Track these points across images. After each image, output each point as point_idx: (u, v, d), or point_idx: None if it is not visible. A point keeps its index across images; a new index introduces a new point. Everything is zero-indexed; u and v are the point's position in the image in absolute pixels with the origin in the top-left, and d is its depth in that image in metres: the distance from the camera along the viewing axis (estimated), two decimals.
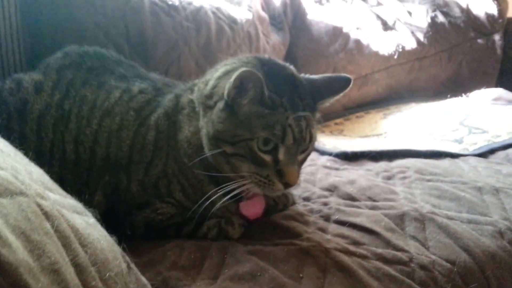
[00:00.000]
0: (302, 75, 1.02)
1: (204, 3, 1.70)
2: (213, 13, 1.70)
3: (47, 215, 0.50)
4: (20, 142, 1.06)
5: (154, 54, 1.55)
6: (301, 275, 0.86)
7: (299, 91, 0.96)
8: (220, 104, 0.93)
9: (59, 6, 1.44)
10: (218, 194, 0.96)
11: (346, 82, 0.99)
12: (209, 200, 0.97)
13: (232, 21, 1.75)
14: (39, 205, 0.51)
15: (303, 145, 0.94)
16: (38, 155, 1.04)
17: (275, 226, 1.02)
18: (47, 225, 0.49)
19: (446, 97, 2.16)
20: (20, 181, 0.51)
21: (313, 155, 1.44)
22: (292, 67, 1.03)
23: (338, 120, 1.97)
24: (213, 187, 0.97)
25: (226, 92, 0.91)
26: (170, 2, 1.61)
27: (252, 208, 1.04)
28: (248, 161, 0.93)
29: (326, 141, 1.64)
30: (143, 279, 0.66)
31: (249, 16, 1.80)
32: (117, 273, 0.58)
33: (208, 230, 1.01)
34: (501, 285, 0.94)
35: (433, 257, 0.93)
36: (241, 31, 1.75)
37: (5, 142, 0.66)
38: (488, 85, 2.31)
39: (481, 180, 1.23)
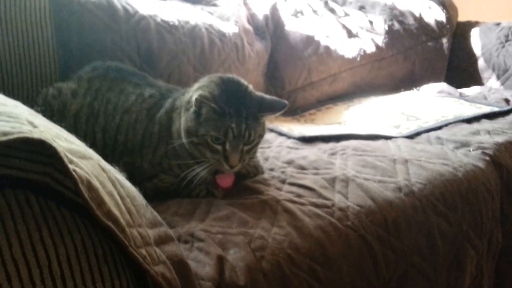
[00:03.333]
0: (258, 93, 1.36)
1: (198, 21, 2.03)
2: (206, 29, 2.03)
3: (103, 169, 0.86)
4: None
5: (159, 64, 1.87)
6: (260, 216, 1.20)
7: (246, 103, 1.29)
8: (192, 109, 1.28)
9: (85, 29, 1.74)
10: (203, 170, 1.29)
11: (283, 106, 1.34)
12: (198, 175, 1.29)
13: (222, 35, 2.07)
14: (99, 164, 0.87)
15: (244, 141, 1.27)
16: None
17: (246, 188, 1.35)
18: (104, 174, 0.86)
19: (400, 91, 2.52)
20: (89, 152, 0.88)
21: (282, 139, 1.79)
22: (248, 85, 1.35)
23: (312, 111, 2.31)
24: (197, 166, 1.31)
25: (193, 104, 1.27)
26: (171, 23, 1.94)
27: (224, 180, 1.34)
28: (207, 149, 1.27)
29: (296, 128, 1.97)
30: (155, 212, 1.01)
31: (236, 29, 2.13)
32: (141, 205, 0.94)
33: (199, 191, 1.32)
34: (394, 222, 1.29)
35: (349, 203, 1.28)
36: (229, 42, 2.08)
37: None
38: (438, 80, 2.67)
39: (398, 155, 1.57)
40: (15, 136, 0.64)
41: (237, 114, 1.27)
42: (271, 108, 1.35)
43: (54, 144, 0.67)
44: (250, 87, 1.36)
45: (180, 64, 1.94)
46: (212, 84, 1.33)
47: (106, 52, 1.76)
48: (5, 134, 0.63)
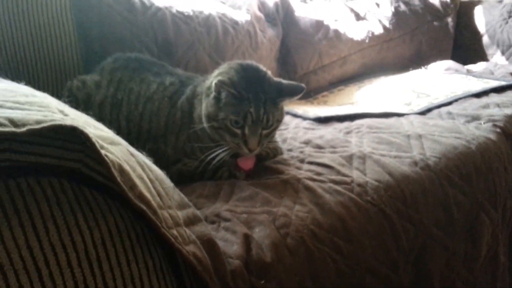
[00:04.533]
0: (276, 79, 1.34)
1: (212, 11, 2.01)
2: (219, 18, 2.01)
3: (132, 154, 0.85)
4: None
5: (176, 53, 1.86)
6: (282, 195, 1.19)
7: (265, 88, 1.28)
8: (212, 95, 1.27)
9: (104, 23, 1.73)
10: (223, 152, 1.28)
11: (301, 90, 1.32)
12: (218, 156, 1.29)
13: (234, 23, 2.05)
14: (127, 149, 0.86)
15: (262, 125, 1.26)
16: None
17: (267, 168, 1.34)
18: (133, 158, 0.85)
19: (409, 70, 2.48)
20: (117, 138, 0.87)
21: (298, 120, 1.78)
22: (266, 71, 1.33)
23: (324, 93, 2.29)
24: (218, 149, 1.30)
25: (213, 90, 1.26)
26: (186, 13, 1.92)
27: (246, 162, 1.34)
28: (227, 133, 1.27)
29: (311, 109, 1.96)
30: (182, 194, 1.00)
31: (248, 17, 2.11)
32: (169, 187, 0.93)
33: (222, 173, 1.31)
34: (412, 195, 1.27)
35: (367, 179, 1.26)
36: (242, 30, 2.06)
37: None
38: (444, 58, 2.63)
39: (412, 130, 1.55)
40: (49, 124, 0.63)
41: (256, 99, 1.26)
42: (289, 93, 1.33)
43: (86, 131, 0.66)
44: (269, 73, 1.34)
45: (196, 52, 1.92)
46: (231, 71, 1.32)
47: (125, 44, 1.75)
48: (38, 122, 0.62)
